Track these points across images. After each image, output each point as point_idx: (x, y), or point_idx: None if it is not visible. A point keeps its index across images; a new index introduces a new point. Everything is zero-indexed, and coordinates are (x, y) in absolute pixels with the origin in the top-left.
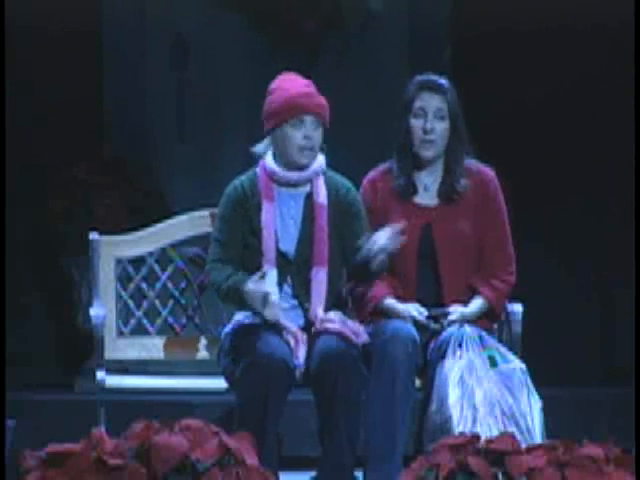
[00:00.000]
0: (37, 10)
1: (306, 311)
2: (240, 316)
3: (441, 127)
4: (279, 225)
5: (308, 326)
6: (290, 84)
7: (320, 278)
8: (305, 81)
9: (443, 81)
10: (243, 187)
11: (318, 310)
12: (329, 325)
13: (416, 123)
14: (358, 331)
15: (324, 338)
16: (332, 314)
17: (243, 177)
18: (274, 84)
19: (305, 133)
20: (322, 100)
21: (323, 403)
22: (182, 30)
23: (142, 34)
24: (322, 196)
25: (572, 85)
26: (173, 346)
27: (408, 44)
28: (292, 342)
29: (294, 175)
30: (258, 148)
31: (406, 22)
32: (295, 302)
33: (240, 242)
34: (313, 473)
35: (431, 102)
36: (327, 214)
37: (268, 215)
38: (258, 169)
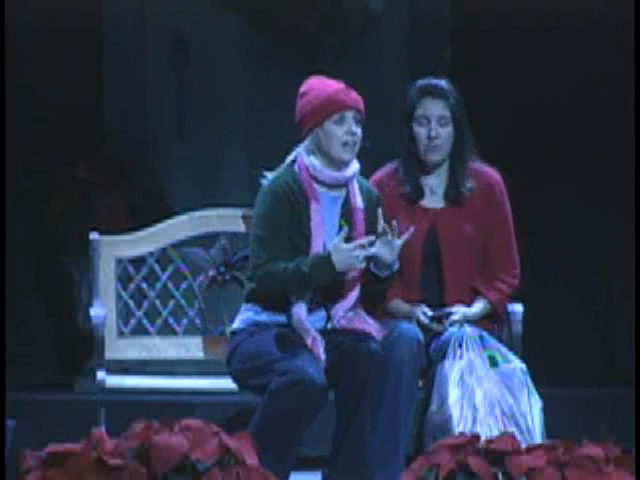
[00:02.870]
0: (37, 10)
1: (328, 317)
2: (249, 313)
3: (445, 132)
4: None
5: (325, 329)
6: (324, 83)
7: (354, 282)
8: (336, 81)
9: (444, 85)
10: (289, 185)
11: (340, 309)
12: (356, 324)
13: (420, 130)
14: (377, 328)
15: (351, 337)
16: (352, 313)
17: (281, 174)
18: (305, 87)
19: (347, 129)
20: (359, 96)
21: (348, 400)
22: (182, 30)
23: (142, 34)
24: (359, 200)
25: (572, 83)
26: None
27: (408, 44)
28: (309, 342)
29: (339, 174)
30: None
31: (406, 22)
32: (317, 305)
33: (287, 241)
34: (312, 473)
35: (433, 109)
36: (364, 218)
37: (317, 217)
38: (295, 168)
